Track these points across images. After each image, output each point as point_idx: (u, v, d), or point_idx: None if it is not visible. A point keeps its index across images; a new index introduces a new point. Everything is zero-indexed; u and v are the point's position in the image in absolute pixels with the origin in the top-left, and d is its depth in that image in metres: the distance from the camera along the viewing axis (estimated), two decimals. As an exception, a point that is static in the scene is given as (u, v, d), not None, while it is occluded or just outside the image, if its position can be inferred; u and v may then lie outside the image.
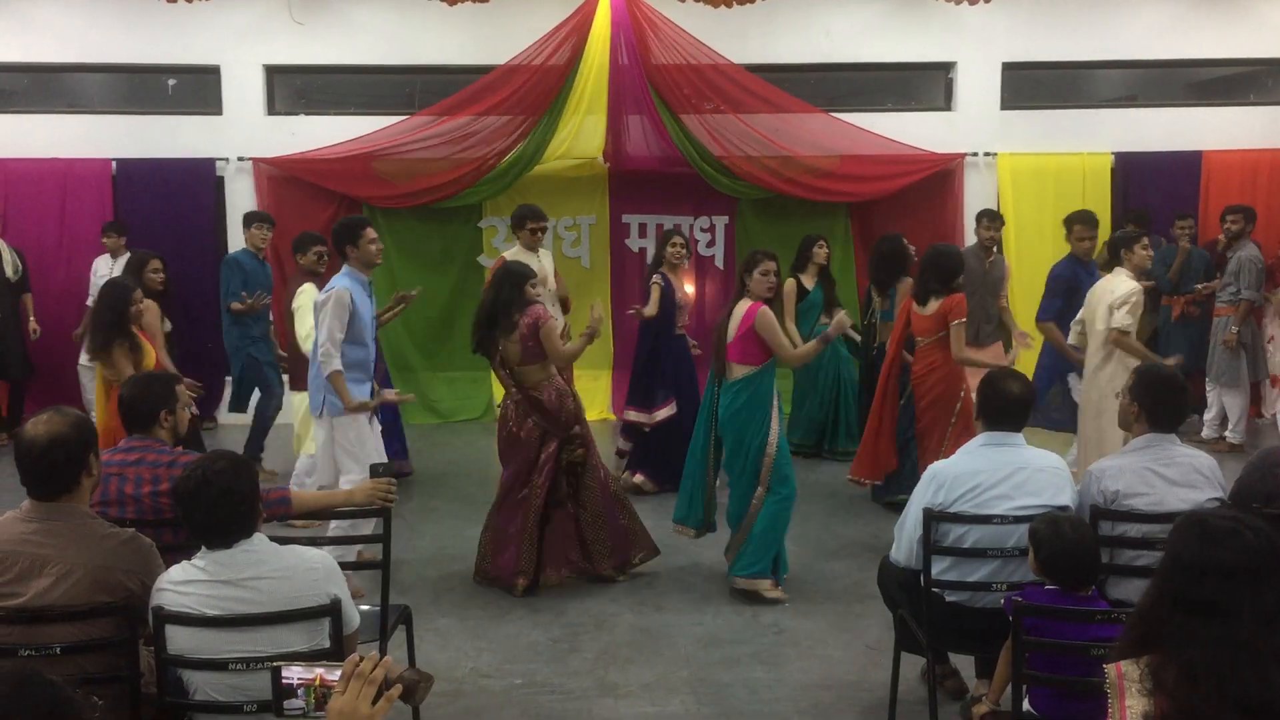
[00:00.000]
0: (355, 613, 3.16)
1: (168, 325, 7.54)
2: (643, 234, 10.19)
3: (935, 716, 4.02)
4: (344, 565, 3.31)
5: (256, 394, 8.13)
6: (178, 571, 3.02)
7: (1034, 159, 10.12)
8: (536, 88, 9.45)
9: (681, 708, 4.49)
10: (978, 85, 10.19)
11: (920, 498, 3.97)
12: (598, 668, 4.88)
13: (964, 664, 4.39)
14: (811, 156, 9.82)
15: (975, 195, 10.09)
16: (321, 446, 5.80)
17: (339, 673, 2.22)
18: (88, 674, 2.95)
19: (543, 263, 7.59)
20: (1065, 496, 3.88)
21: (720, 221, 10.20)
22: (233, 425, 9.04)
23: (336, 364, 5.56)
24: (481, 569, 5.88)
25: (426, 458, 8.58)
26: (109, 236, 9.19)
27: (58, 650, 2.93)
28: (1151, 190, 9.86)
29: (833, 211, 10.11)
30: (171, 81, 10.27)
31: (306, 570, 3.05)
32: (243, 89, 9.99)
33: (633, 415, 7.69)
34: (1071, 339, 6.75)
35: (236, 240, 9.36)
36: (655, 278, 7.55)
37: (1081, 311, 6.63)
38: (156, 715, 3.12)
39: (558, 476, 5.78)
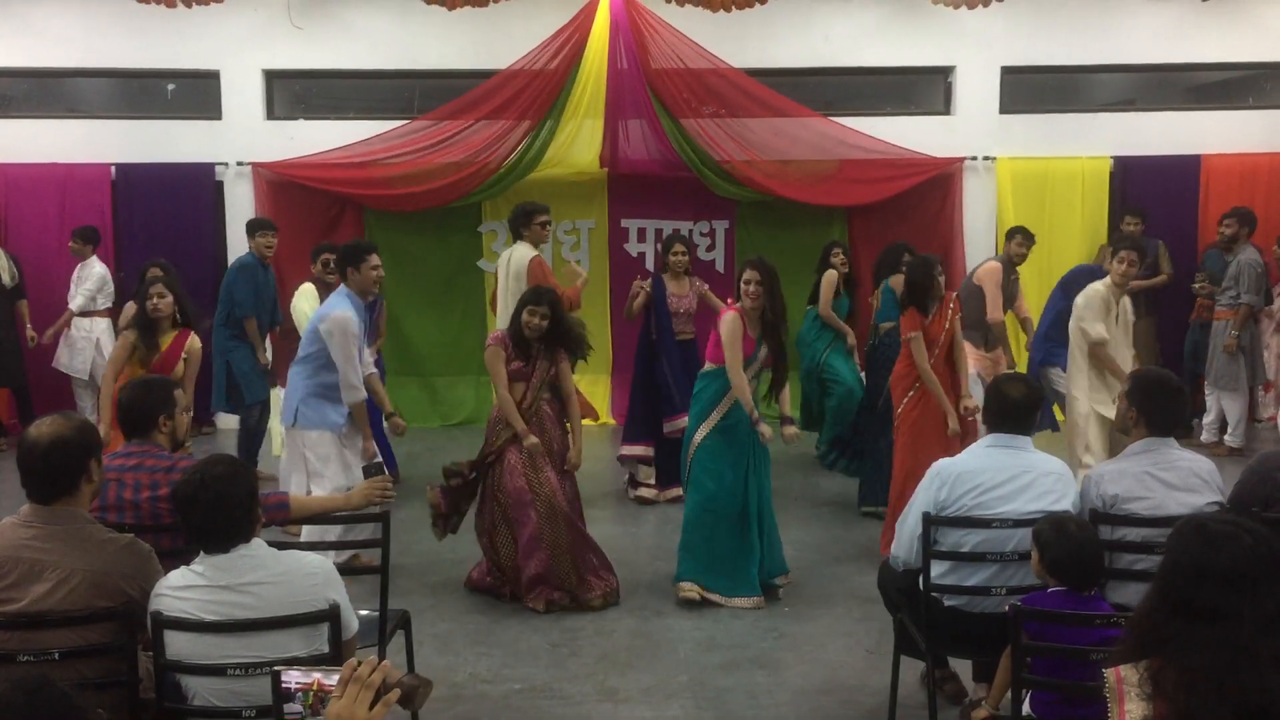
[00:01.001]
0: (354, 617, 3.16)
1: None
2: (641, 238, 10.19)
3: (935, 720, 4.02)
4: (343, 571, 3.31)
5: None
6: (176, 576, 3.02)
7: (1033, 163, 10.12)
8: (536, 92, 9.45)
9: (681, 712, 4.49)
10: (977, 89, 10.20)
11: (923, 494, 3.98)
12: (597, 672, 4.87)
13: (962, 668, 4.39)
14: (810, 161, 9.83)
15: (974, 199, 10.11)
16: (289, 460, 5.80)
17: (337, 677, 2.22)
18: (86, 679, 2.94)
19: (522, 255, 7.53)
20: (1067, 502, 3.88)
21: (720, 226, 10.21)
22: (230, 430, 9.02)
23: (360, 395, 5.71)
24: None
25: (425, 462, 8.55)
26: (75, 242, 9.10)
27: (56, 655, 2.93)
28: (1150, 194, 9.85)
29: (831, 216, 10.12)
30: (171, 86, 10.29)
31: (305, 575, 3.05)
32: (242, 94, 10.00)
33: (629, 451, 7.60)
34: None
35: (236, 245, 9.38)
36: (641, 281, 7.52)
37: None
38: (155, 720, 3.12)
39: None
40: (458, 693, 4.65)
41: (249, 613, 2.96)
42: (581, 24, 9.43)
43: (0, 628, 2.94)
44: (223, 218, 9.96)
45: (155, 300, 6.01)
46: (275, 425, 6.99)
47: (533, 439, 5.56)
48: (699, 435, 5.66)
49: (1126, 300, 6.71)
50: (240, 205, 9.85)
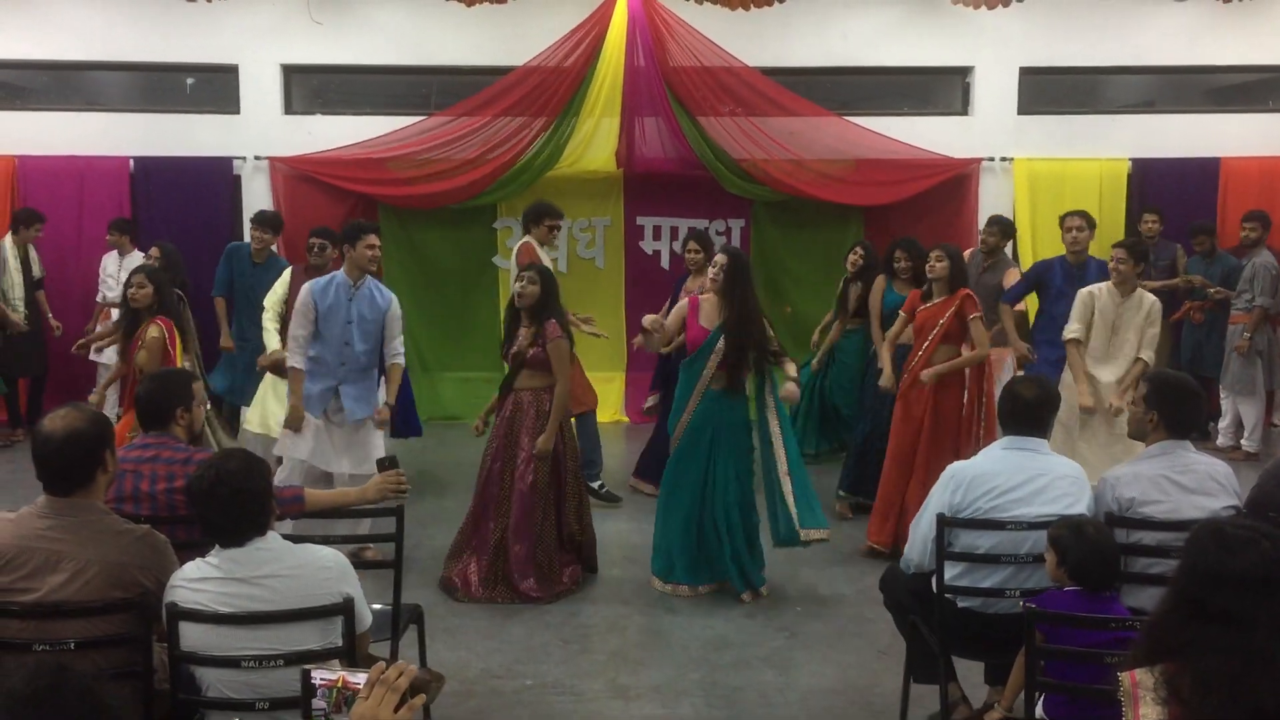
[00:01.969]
0: (368, 611, 3.18)
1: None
2: (657, 236, 10.19)
3: (946, 722, 4.01)
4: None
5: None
6: (192, 568, 3.03)
7: (1051, 164, 10.08)
8: (553, 89, 9.46)
9: (692, 710, 4.49)
10: (995, 90, 10.16)
11: (938, 497, 3.97)
12: (609, 669, 4.88)
13: (974, 670, 4.37)
14: (827, 160, 9.81)
15: (991, 200, 10.05)
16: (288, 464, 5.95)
17: (362, 677, 2.25)
18: (101, 670, 2.97)
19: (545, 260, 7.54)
20: (1082, 505, 3.87)
21: (736, 224, 10.18)
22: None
23: (295, 361, 5.88)
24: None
25: (439, 457, 8.58)
26: (113, 234, 9.19)
27: (72, 645, 2.95)
28: (1169, 196, 9.79)
29: (848, 216, 10.10)
30: (190, 80, 10.33)
31: (319, 569, 3.06)
32: (260, 88, 10.03)
33: (638, 485, 7.59)
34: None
35: (253, 240, 9.41)
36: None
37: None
38: (169, 712, 3.13)
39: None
40: (469, 688, 4.66)
41: (263, 605, 2.97)
42: (599, 21, 9.44)
43: (17, 617, 2.96)
44: (240, 212, 9.97)
45: (134, 290, 6.04)
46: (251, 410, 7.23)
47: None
48: (677, 432, 5.78)
49: (1144, 303, 6.38)
50: (257, 199, 9.87)
